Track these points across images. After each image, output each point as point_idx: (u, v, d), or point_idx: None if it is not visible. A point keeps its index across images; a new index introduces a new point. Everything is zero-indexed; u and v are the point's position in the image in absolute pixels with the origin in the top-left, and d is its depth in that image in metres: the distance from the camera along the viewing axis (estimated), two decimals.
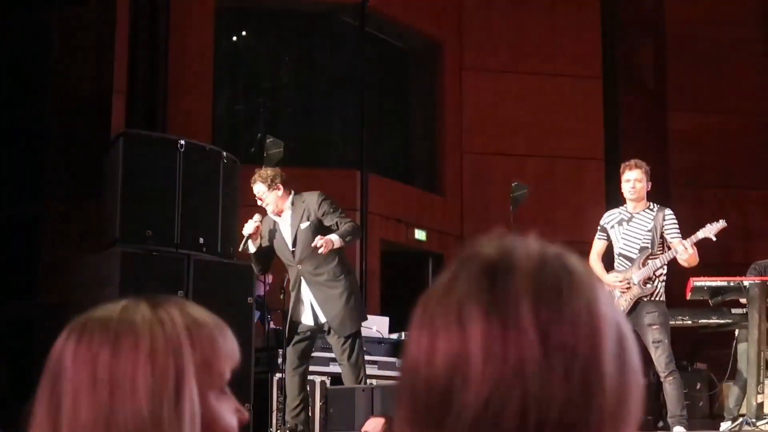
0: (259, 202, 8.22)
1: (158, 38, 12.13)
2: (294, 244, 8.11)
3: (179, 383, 1.35)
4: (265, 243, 8.27)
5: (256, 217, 8.21)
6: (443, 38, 14.14)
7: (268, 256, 8.32)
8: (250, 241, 8.22)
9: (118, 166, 8.39)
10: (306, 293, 8.10)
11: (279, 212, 8.19)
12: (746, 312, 8.17)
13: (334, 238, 7.90)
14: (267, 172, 8.26)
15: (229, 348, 1.46)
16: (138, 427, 1.31)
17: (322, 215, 8.05)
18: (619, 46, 15.11)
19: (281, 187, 8.18)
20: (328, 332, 8.12)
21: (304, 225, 8.05)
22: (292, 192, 8.29)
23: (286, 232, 8.14)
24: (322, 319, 8.04)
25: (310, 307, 8.07)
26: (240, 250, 8.24)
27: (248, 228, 8.16)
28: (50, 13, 11.87)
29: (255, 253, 8.27)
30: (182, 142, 8.62)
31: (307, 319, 8.10)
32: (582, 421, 0.95)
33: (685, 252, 7.68)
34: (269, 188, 8.16)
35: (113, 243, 8.19)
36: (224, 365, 1.43)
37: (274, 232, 8.24)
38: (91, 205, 9.34)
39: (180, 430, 1.33)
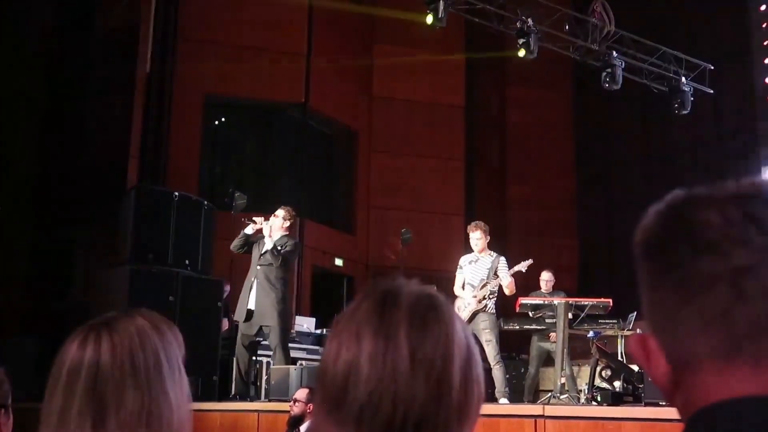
0: (271, 218, 8.08)
1: (163, 120, 12.01)
2: (264, 253, 7.96)
3: (181, 370, 1.32)
4: (253, 239, 8.11)
5: (263, 222, 8.11)
6: (358, 129, 14.18)
7: (247, 245, 8.11)
8: (251, 226, 8.08)
9: (130, 208, 8.29)
10: (250, 297, 7.90)
11: (270, 234, 8.02)
12: (554, 321, 8.25)
13: (267, 243, 7.96)
14: (292, 213, 8.24)
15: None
16: (169, 407, 1.26)
17: (286, 245, 8.03)
18: (476, 140, 15.28)
19: (287, 224, 8.13)
20: (262, 330, 8.02)
21: (279, 247, 7.95)
22: (288, 233, 8.22)
23: (268, 244, 7.98)
24: (256, 321, 7.88)
25: (246, 310, 7.87)
26: (244, 221, 8.18)
27: (258, 220, 8.08)
28: (88, 100, 11.71)
29: (246, 235, 8.10)
30: (176, 193, 8.55)
31: (243, 319, 7.91)
32: (436, 414, 0.95)
33: (505, 280, 7.82)
34: (283, 219, 8.09)
35: (125, 261, 8.07)
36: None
37: (262, 240, 8.08)
38: (111, 235, 9.18)
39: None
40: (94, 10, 11.85)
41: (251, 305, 7.89)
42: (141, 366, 1.25)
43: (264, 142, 13.47)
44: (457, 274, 8.12)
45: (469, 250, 8.21)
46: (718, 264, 0.80)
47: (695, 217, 0.83)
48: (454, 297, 7.94)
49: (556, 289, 9.78)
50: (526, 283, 9.25)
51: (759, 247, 0.79)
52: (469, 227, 8.25)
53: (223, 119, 13.36)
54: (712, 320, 0.80)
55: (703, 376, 0.81)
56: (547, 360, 9.32)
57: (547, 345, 9.19)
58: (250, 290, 7.94)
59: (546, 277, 9.71)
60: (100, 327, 1.29)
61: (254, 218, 8.16)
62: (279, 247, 7.94)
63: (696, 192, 0.85)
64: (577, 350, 9.34)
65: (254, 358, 8.35)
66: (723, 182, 0.85)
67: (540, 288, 9.67)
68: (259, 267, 8.00)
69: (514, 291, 7.98)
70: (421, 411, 0.95)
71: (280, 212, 8.18)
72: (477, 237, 8.03)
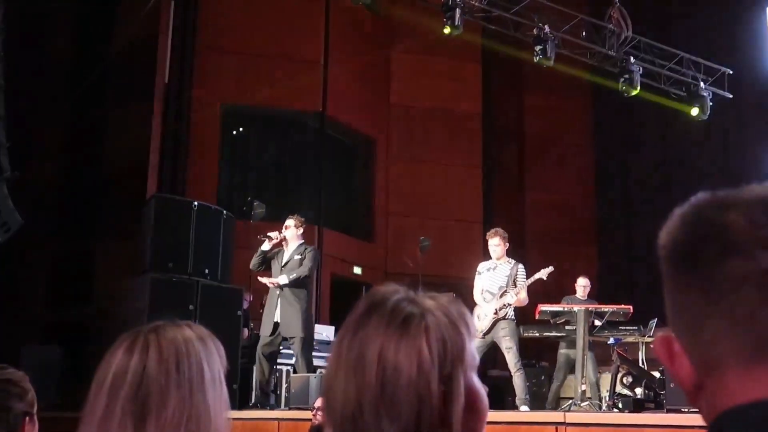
0: (284, 230, 8.22)
1: (181, 130, 12.07)
2: (285, 265, 8.10)
3: (222, 382, 1.35)
4: (270, 255, 8.22)
5: (280, 234, 8.22)
6: (376, 137, 14.19)
7: (265, 261, 8.24)
8: (266, 241, 8.19)
9: (150, 217, 8.33)
10: (275, 309, 8.02)
11: (287, 242, 8.19)
12: (574, 328, 8.22)
13: (280, 279, 8.02)
14: (301, 220, 8.37)
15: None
16: (208, 416, 1.30)
17: (305, 256, 8.10)
18: (493, 147, 15.25)
19: (300, 231, 8.28)
20: (287, 338, 8.08)
21: (297, 257, 8.12)
22: (303, 240, 8.36)
23: (285, 256, 8.16)
24: (283, 333, 7.99)
25: (273, 323, 8.00)
26: (260, 237, 8.28)
27: (273, 235, 8.20)
28: (107, 110, 11.80)
29: (263, 252, 8.21)
30: (195, 203, 8.59)
31: (269, 332, 8.03)
32: (414, 423, 0.98)
33: (512, 298, 7.77)
34: (295, 227, 8.23)
35: (145, 270, 8.11)
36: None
37: (278, 252, 8.22)
38: (131, 244, 9.24)
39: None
40: (114, 22, 11.96)
41: (277, 318, 7.97)
42: (185, 373, 1.27)
43: (282, 151, 13.51)
44: (475, 280, 8.10)
45: (488, 257, 8.19)
46: (745, 266, 0.79)
47: (721, 220, 0.82)
48: (473, 304, 7.92)
49: (590, 296, 9.72)
50: (546, 290, 9.20)
51: None
52: (488, 234, 8.25)
53: (241, 128, 13.41)
54: (738, 323, 0.79)
55: (728, 378, 0.80)
56: (574, 367, 9.25)
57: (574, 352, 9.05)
58: (277, 304, 8.00)
59: (583, 283, 9.65)
60: (148, 333, 1.31)
61: (269, 234, 8.25)
62: (301, 256, 8.05)
63: (721, 195, 0.85)
64: (598, 357, 9.28)
65: (275, 367, 8.40)
66: (747, 185, 0.85)
67: (575, 293, 9.62)
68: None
69: (525, 304, 7.96)
70: (395, 420, 0.98)
71: (291, 222, 8.30)
72: (495, 243, 8.01)
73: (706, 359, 0.82)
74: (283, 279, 8.03)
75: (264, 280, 8.16)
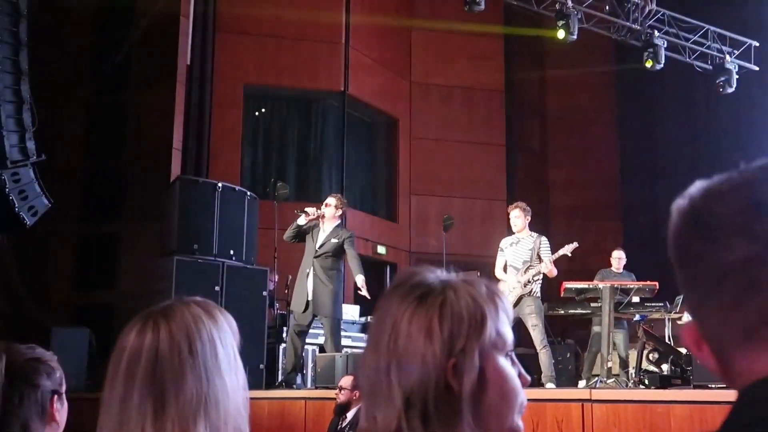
0: (323, 207, 8.05)
1: (204, 111, 12.09)
2: (321, 246, 7.97)
3: (237, 357, 1.34)
4: (304, 229, 8.06)
5: (318, 211, 8.06)
6: (399, 116, 14.14)
7: (300, 235, 8.10)
8: (303, 215, 8.04)
9: (175, 199, 8.38)
10: (308, 288, 7.92)
11: (324, 221, 8.03)
12: (600, 305, 8.18)
13: (359, 281, 7.91)
14: (343, 201, 8.21)
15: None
16: (226, 394, 1.28)
17: (344, 243, 7.96)
18: (516, 123, 15.16)
19: (339, 212, 8.11)
20: (317, 317, 8.03)
21: (334, 240, 7.96)
22: (340, 221, 8.22)
23: (322, 236, 8.00)
24: (314, 311, 7.91)
25: (305, 302, 7.93)
26: (297, 212, 8.14)
27: (311, 210, 8.05)
28: (130, 94, 11.84)
29: (299, 225, 8.06)
30: (220, 184, 8.63)
31: (302, 311, 7.95)
32: (423, 392, 1.04)
33: (545, 267, 7.72)
34: (335, 208, 8.08)
35: (171, 252, 8.17)
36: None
37: (315, 230, 8.09)
38: (156, 226, 9.29)
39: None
40: (135, 3, 11.97)
41: (309, 296, 7.91)
42: (198, 353, 1.27)
43: (304, 132, 13.51)
44: (497, 256, 8.05)
45: (512, 233, 8.14)
46: (727, 255, 0.81)
47: (705, 210, 0.84)
48: (495, 280, 7.88)
49: (626, 269, 9.67)
50: (571, 267, 9.16)
51: (762, 234, 0.79)
52: (509, 207, 8.20)
53: (263, 109, 13.42)
54: (727, 310, 0.81)
55: (736, 361, 0.83)
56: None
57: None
58: (309, 283, 7.95)
59: (618, 255, 9.62)
60: (157, 315, 1.31)
61: (306, 209, 8.11)
62: (338, 240, 7.94)
63: (711, 183, 0.86)
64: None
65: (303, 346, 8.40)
66: (744, 168, 0.84)
67: (610, 266, 9.56)
68: (315, 259, 7.99)
69: (555, 274, 7.89)
70: (403, 381, 1.03)
71: (332, 200, 8.13)
72: (515, 215, 7.94)
73: (714, 345, 0.85)
74: (323, 236, 7.97)
75: (310, 210, 8.01)
